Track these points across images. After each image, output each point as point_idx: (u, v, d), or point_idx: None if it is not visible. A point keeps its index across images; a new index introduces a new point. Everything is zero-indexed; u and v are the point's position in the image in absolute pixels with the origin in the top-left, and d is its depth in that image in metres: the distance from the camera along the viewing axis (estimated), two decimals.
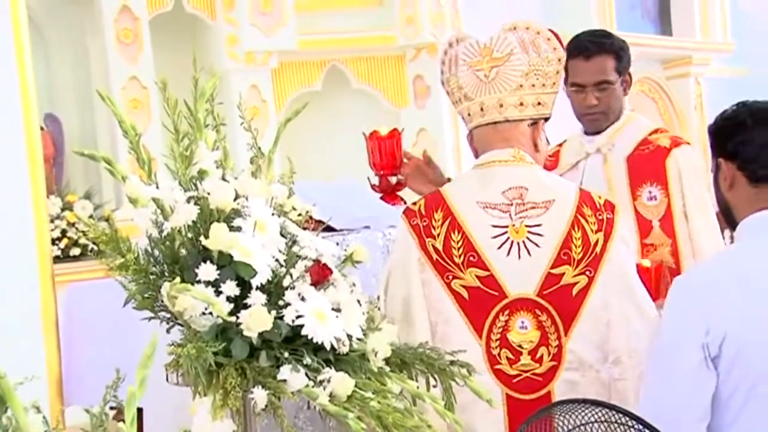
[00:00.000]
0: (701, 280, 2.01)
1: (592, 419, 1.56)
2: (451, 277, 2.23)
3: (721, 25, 9.48)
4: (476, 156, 2.38)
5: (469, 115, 2.34)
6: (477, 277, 2.23)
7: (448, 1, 6.86)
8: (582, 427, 1.55)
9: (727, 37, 9.50)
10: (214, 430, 1.77)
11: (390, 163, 3.00)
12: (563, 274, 2.24)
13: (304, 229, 2.12)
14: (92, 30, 5.94)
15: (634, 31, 8.44)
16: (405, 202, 3.01)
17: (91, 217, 5.19)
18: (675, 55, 9.25)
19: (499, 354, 2.21)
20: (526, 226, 2.26)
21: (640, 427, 1.55)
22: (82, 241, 5.32)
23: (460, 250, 2.24)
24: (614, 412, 1.57)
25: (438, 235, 2.25)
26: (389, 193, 2.99)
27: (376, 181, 3.03)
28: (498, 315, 2.22)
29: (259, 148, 2.16)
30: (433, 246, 2.24)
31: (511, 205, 2.27)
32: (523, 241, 2.25)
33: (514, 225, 2.26)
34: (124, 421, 1.27)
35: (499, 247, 2.24)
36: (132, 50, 5.67)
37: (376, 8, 6.84)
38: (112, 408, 1.65)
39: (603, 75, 2.99)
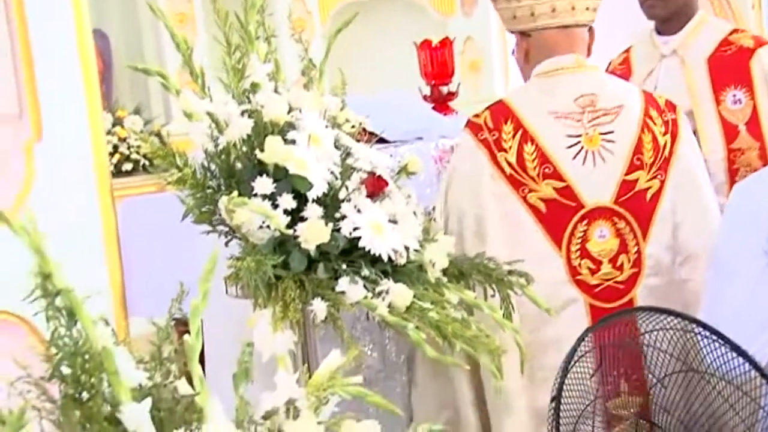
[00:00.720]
0: (763, 187, 1.95)
1: (671, 326, 1.55)
2: (526, 190, 2.20)
3: None
4: (525, 59, 2.32)
5: (531, 14, 2.26)
6: (554, 188, 2.21)
7: None
8: (661, 332, 1.53)
9: None
10: (274, 341, 1.79)
11: (441, 72, 2.97)
12: (637, 179, 2.24)
13: (358, 141, 2.11)
14: None
15: None
16: (457, 113, 2.98)
17: (141, 132, 5.23)
18: None
19: (579, 264, 2.21)
20: (600, 133, 2.24)
21: (721, 341, 1.54)
22: (134, 156, 5.35)
23: (535, 162, 2.20)
24: (694, 325, 1.55)
25: (510, 148, 2.21)
26: (441, 103, 2.97)
27: (427, 91, 3.00)
28: (576, 225, 2.21)
29: (310, 60, 2.14)
30: (506, 160, 2.21)
31: (584, 113, 2.24)
32: (598, 150, 2.23)
33: (587, 133, 2.23)
34: (188, 332, 1.28)
35: (575, 157, 2.22)
36: None
37: None
38: (174, 319, 1.67)
39: None
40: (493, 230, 2.19)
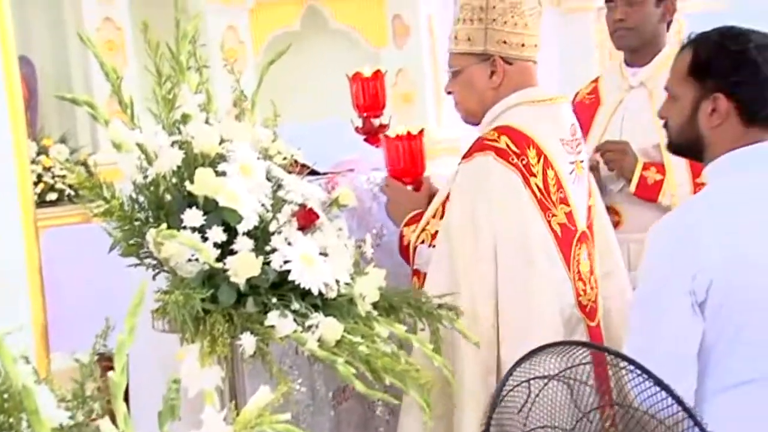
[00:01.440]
0: (684, 224, 1.92)
1: (584, 361, 1.57)
2: (551, 215, 2.26)
3: None
4: (493, 85, 2.33)
5: (522, 45, 2.32)
6: (565, 213, 2.28)
7: None
8: (588, 365, 1.55)
9: None
10: (202, 377, 1.76)
11: (374, 104, 2.97)
12: (592, 205, 2.40)
13: (289, 173, 2.09)
14: None
15: None
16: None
17: (67, 161, 5.14)
18: None
19: (577, 287, 2.29)
20: (580, 161, 2.36)
21: (632, 367, 1.56)
22: (59, 185, 5.25)
23: (554, 188, 2.27)
24: (620, 359, 1.57)
25: (537, 172, 2.24)
26: (373, 135, 2.96)
27: (359, 123, 3.00)
28: (575, 249, 2.29)
29: (242, 91, 2.13)
30: (536, 184, 2.24)
31: (573, 140, 2.34)
32: (581, 176, 2.36)
33: (577, 160, 2.35)
34: (112, 368, 1.25)
35: (573, 182, 2.32)
36: None
37: None
38: (97, 355, 1.63)
39: None
40: (542, 252, 2.23)
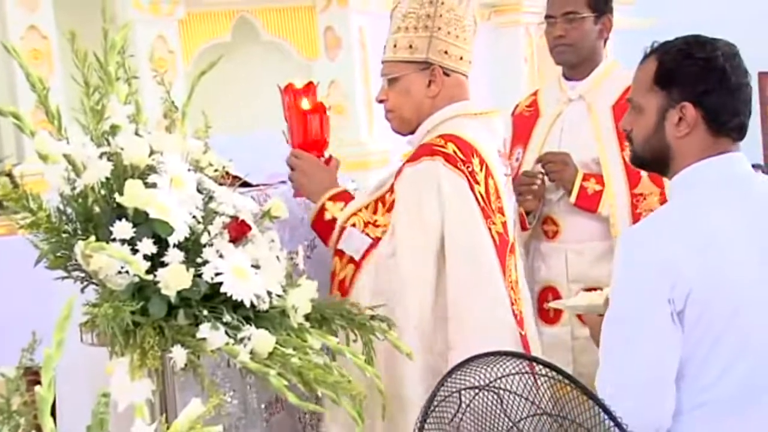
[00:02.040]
0: (656, 233, 1.86)
1: (514, 371, 1.59)
2: (491, 222, 2.29)
3: None
4: (431, 94, 2.37)
5: (461, 58, 2.37)
6: (501, 222, 2.32)
7: None
8: (517, 376, 1.57)
9: None
10: (132, 390, 1.74)
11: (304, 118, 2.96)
12: (512, 219, 2.43)
13: (221, 184, 2.08)
14: None
15: None
16: (321, 156, 2.99)
17: None
18: None
19: (510, 295, 2.32)
20: (506, 174, 2.41)
21: (560, 377, 1.58)
22: None
23: (494, 197, 2.30)
24: (535, 364, 1.59)
25: (480, 181, 2.27)
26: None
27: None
28: (508, 258, 2.34)
29: (173, 102, 2.11)
30: (479, 192, 2.27)
31: (505, 154, 2.41)
32: (509, 188, 2.41)
33: (506, 172, 2.40)
34: (39, 383, 1.24)
35: (507, 193, 2.37)
36: None
37: None
38: (23, 369, 1.60)
39: (571, 6, 3.00)
40: (494, 257, 2.26)
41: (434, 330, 2.19)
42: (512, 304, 2.31)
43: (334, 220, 2.35)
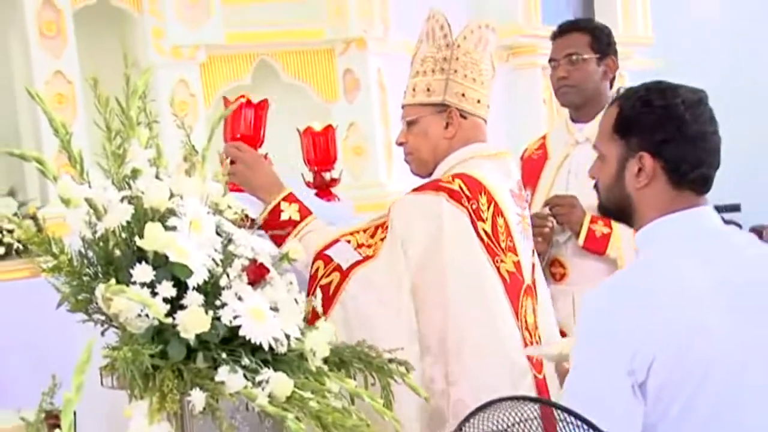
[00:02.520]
0: (616, 299, 1.75)
1: (533, 416, 1.58)
2: (499, 261, 2.29)
3: (642, 18, 9.66)
4: (448, 135, 2.39)
5: (478, 101, 2.40)
6: (513, 262, 2.32)
7: None
8: (522, 424, 1.56)
9: (648, 30, 9.69)
10: None
11: (324, 158, 2.99)
12: (534, 263, 2.45)
13: (240, 227, 2.10)
14: (13, 23, 5.78)
15: (558, 22, 8.55)
16: (339, 199, 3.01)
17: (15, 215, 5.07)
18: None
19: (524, 337, 2.31)
20: (525, 216, 2.43)
21: (579, 422, 1.57)
22: (7, 240, 5.17)
23: (504, 235, 2.31)
24: (555, 409, 1.58)
25: (486, 219, 2.28)
26: (324, 189, 2.98)
27: (310, 177, 3.02)
28: (522, 299, 2.33)
29: (193, 146, 2.14)
30: (484, 229, 2.28)
31: (520, 195, 2.42)
32: (526, 230, 2.41)
33: (523, 215, 2.41)
34: (58, 426, 1.24)
35: (520, 234, 2.37)
36: (55, 44, 5.51)
37: (304, 1, 6.80)
38: (44, 413, 1.61)
39: (573, 48, 3.04)
40: (498, 291, 2.27)
41: (419, 359, 2.18)
42: (526, 345, 2.30)
43: (291, 221, 2.31)
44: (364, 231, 2.32)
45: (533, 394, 2.23)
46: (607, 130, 1.85)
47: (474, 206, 2.26)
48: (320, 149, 2.98)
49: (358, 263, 2.24)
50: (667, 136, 1.76)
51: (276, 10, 6.65)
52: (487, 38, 2.41)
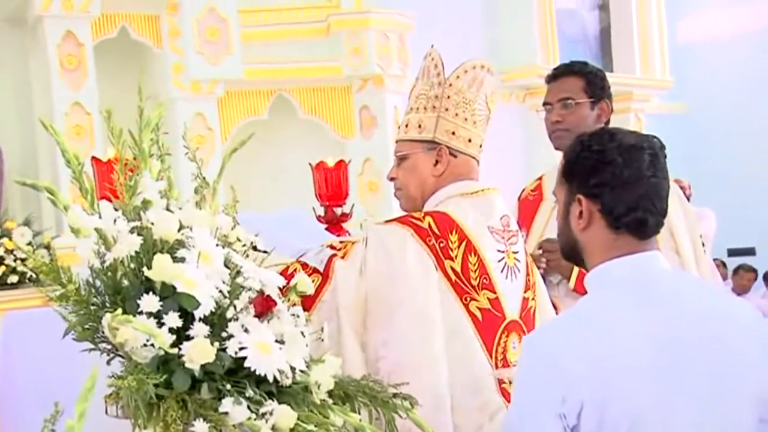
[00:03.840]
0: (554, 341, 1.76)
1: None
2: (468, 298, 2.28)
3: (660, 62, 9.70)
4: (437, 173, 2.40)
5: (469, 140, 2.40)
6: (488, 299, 2.30)
7: (394, 32, 6.92)
8: None
9: (666, 74, 9.73)
10: None
11: (336, 193, 3.02)
12: (528, 298, 2.41)
13: (249, 258, 2.11)
14: (35, 55, 5.88)
15: None
16: (350, 234, 3.03)
17: (30, 244, 5.11)
18: (616, 91, 9.38)
19: (501, 375, 2.29)
20: (513, 252, 2.39)
21: None
22: (21, 268, 5.22)
23: (476, 273, 2.29)
24: None
25: (456, 257, 2.27)
26: (334, 224, 3.01)
27: (321, 211, 3.05)
28: (501, 336, 2.31)
29: (204, 179, 2.16)
30: (452, 267, 2.27)
31: (504, 231, 2.38)
32: (513, 266, 2.38)
33: (507, 250, 2.38)
34: None
35: (501, 271, 2.35)
36: (75, 76, 5.61)
37: (323, 38, 6.87)
38: None
39: (567, 92, 3.04)
40: (440, 332, 2.23)
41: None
42: (502, 382, 2.28)
43: None
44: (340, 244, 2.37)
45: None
46: (558, 174, 1.91)
47: (442, 244, 2.26)
48: (332, 184, 3.01)
49: (330, 260, 2.26)
50: (601, 180, 1.79)
51: (295, 46, 6.74)
52: (482, 79, 2.41)
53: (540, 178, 3.30)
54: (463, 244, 2.28)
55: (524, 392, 1.77)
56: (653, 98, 9.62)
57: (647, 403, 1.70)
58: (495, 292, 2.31)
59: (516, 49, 8.03)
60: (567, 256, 1.94)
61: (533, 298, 2.43)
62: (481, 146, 2.43)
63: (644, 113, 9.44)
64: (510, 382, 2.27)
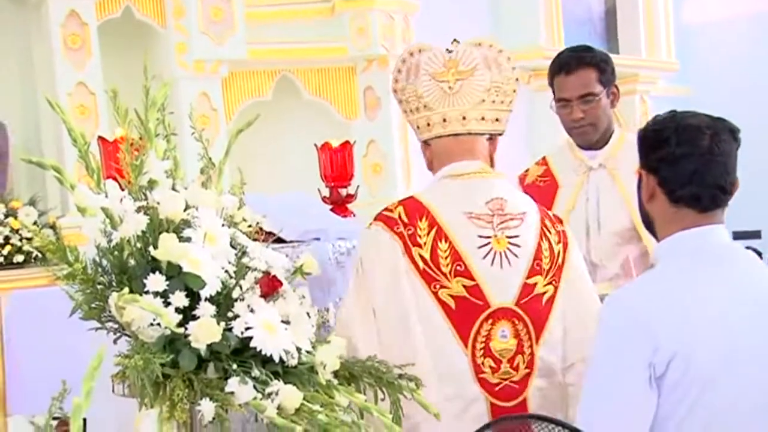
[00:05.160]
0: (640, 299, 1.94)
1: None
2: (438, 286, 2.24)
3: (666, 44, 9.66)
4: (430, 166, 2.41)
5: (428, 125, 2.36)
6: (464, 286, 2.25)
7: (399, 13, 6.89)
8: None
9: (672, 56, 9.68)
10: None
11: (341, 174, 3.02)
12: (536, 284, 2.32)
13: (254, 240, 2.11)
14: (38, 35, 5.86)
15: (581, 45, 8.56)
16: (355, 215, 3.03)
17: (35, 224, 5.12)
18: (622, 73, 9.35)
19: (483, 363, 2.25)
20: (507, 237, 2.31)
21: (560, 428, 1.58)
22: (26, 248, 5.22)
23: (448, 260, 2.25)
24: (560, 428, 1.58)
25: (425, 243, 2.25)
26: (340, 205, 3.01)
27: (326, 192, 3.05)
28: (482, 324, 2.26)
29: (210, 159, 2.16)
30: (420, 255, 2.25)
31: (494, 215, 2.31)
32: (504, 252, 2.30)
33: (496, 236, 2.30)
34: None
35: (484, 257, 2.28)
36: (79, 56, 5.59)
37: (327, 19, 6.85)
38: (55, 418, 1.63)
39: (586, 88, 3.00)
40: (416, 324, 2.22)
41: None
42: (481, 372, 2.24)
43: None
44: None
45: (485, 419, 2.18)
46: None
47: (410, 232, 2.25)
48: (337, 165, 3.01)
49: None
50: (658, 156, 1.97)
51: (299, 27, 6.71)
52: (415, 64, 2.37)
53: (544, 162, 3.24)
54: (433, 230, 2.26)
55: (613, 343, 1.90)
56: (659, 80, 9.59)
57: (734, 358, 1.86)
58: (474, 279, 2.25)
59: (520, 31, 7.98)
60: (646, 226, 2.11)
61: (550, 284, 2.33)
62: (444, 120, 2.33)
63: (649, 95, 9.41)
64: (493, 370, 2.25)
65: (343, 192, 3.02)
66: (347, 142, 3.09)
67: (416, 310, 2.22)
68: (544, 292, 2.33)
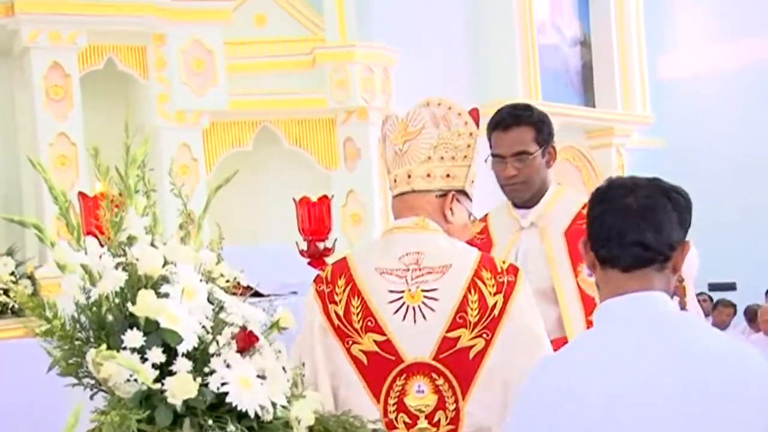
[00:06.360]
0: (550, 376, 1.87)
1: None
2: (350, 342, 2.28)
3: (641, 97, 9.81)
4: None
5: (391, 187, 2.43)
6: (375, 341, 2.27)
7: (379, 66, 6.99)
8: None
9: (647, 109, 9.84)
10: None
11: (319, 228, 3.06)
12: (459, 337, 2.26)
13: (232, 294, 2.13)
14: (21, 85, 5.90)
15: (559, 101, 8.70)
16: None
17: (13, 274, 5.10)
18: (598, 126, 9.53)
19: (396, 419, 2.25)
20: (422, 290, 2.29)
21: None
22: (2, 299, 5.20)
23: (359, 315, 2.29)
24: None
25: (340, 301, 2.31)
26: (317, 258, 3.04)
27: (304, 246, 3.08)
28: (395, 379, 2.27)
29: (189, 215, 2.18)
30: (335, 312, 2.31)
31: (408, 270, 2.31)
32: (419, 306, 2.28)
33: (410, 290, 2.29)
34: None
35: (396, 312, 2.28)
36: (61, 107, 5.64)
37: (308, 71, 6.94)
38: None
39: (520, 146, 2.99)
40: (324, 381, 2.27)
41: None
42: (394, 428, 2.24)
43: None
44: None
45: None
46: None
47: (329, 290, 2.33)
48: (315, 219, 3.05)
49: None
50: (588, 219, 1.94)
51: (280, 79, 6.80)
52: (384, 132, 2.44)
53: (484, 219, 3.22)
54: (348, 287, 2.31)
55: (519, 414, 1.88)
56: (634, 133, 9.73)
57: None
58: (385, 334, 2.26)
59: (498, 84, 8.11)
60: None
61: (479, 336, 2.26)
62: (396, 181, 2.39)
63: (625, 148, 9.53)
64: (408, 426, 2.25)
65: (321, 245, 3.05)
66: (325, 196, 3.13)
67: (332, 367, 2.29)
68: (472, 346, 2.26)
